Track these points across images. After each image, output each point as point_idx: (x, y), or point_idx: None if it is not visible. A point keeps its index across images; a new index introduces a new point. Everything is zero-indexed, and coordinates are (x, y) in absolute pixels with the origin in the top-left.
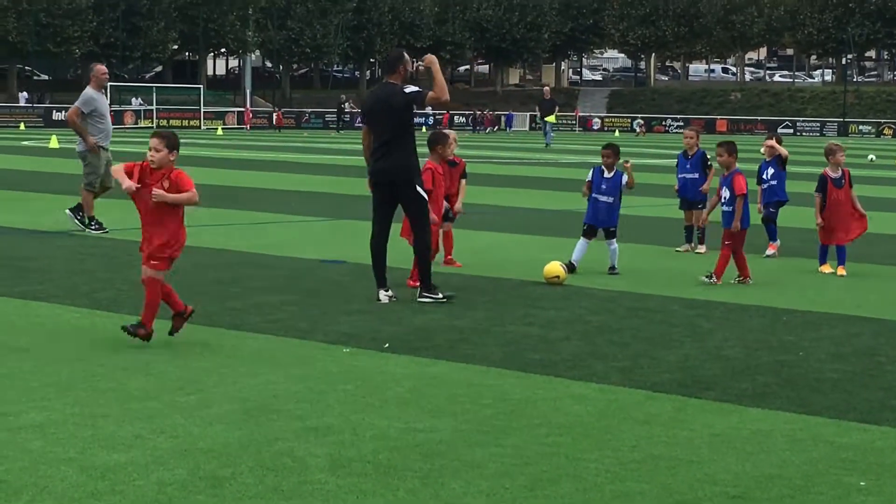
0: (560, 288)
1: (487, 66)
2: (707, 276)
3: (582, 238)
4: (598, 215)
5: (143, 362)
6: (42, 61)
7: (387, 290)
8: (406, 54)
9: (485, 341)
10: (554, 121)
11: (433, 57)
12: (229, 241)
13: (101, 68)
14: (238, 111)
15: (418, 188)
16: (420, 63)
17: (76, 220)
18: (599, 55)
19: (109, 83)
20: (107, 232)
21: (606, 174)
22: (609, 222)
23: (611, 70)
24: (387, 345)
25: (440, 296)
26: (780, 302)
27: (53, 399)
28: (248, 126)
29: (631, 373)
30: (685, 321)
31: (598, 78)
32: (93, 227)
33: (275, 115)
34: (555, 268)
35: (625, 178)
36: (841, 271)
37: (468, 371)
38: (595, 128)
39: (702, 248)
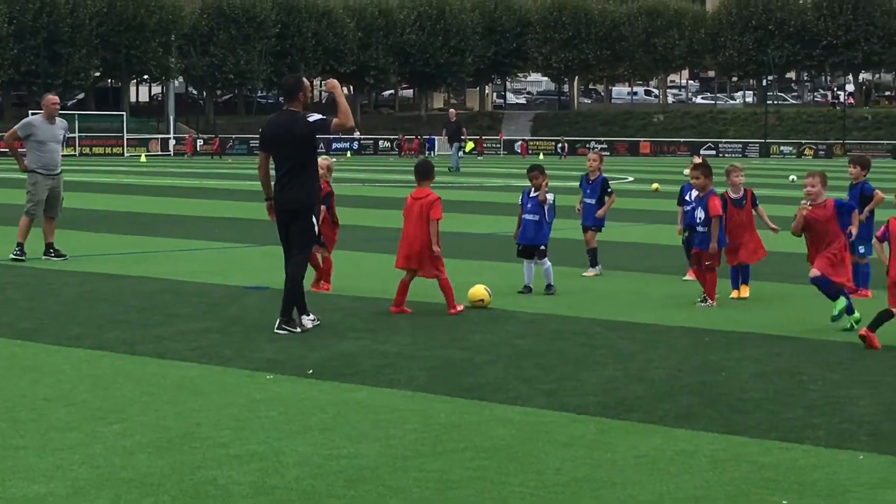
0: (486, 311)
1: (412, 90)
2: (701, 301)
3: (525, 261)
4: (526, 233)
5: (65, 392)
6: None
7: (309, 315)
8: (305, 80)
9: (410, 366)
10: (469, 149)
11: (335, 81)
12: (152, 269)
13: (51, 98)
14: (163, 138)
15: (314, 219)
16: (323, 89)
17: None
18: (523, 79)
19: (32, 112)
20: (23, 261)
21: (532, 194)
22: (536, 240)
23: (534, 93)
24: (311, 371)
25: (298, 329)
26: (703, 322)
27: None
28: (190, 152)
29: (555, 395)
30: (609, 343)
31: (522, 101)
32: (14, 254)
33: (206, 141)
34: (479, 291)
35: (550, 198)
36: (744, 292)
37: (393, 396)
38: (519, 150)
39: (591, 272)
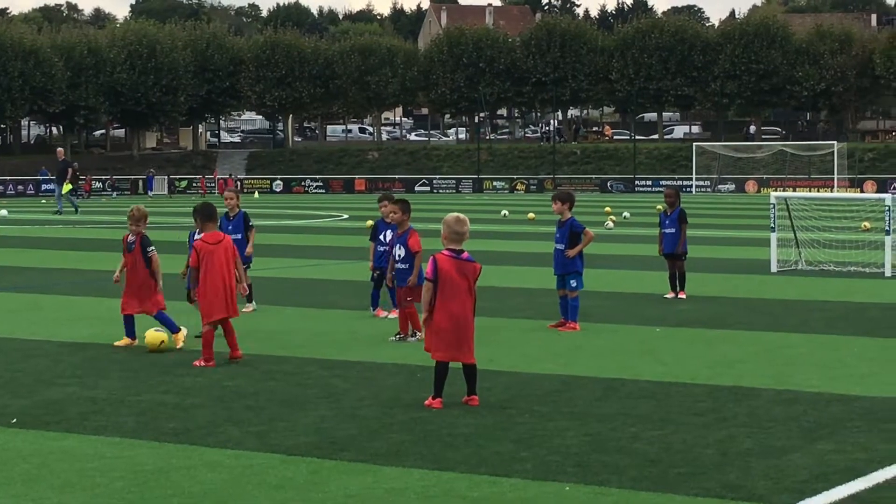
0: (197, 354)
1: (123, 130)
2: (411, 336)
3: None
4: None
5: None
6: None
7: None
8: None
9: (118, 411)
10: (67, 189)
11: None
12: None
13: None
14: None
15: None
16: None
17: None
18: (237, 117)
19: None
20: None
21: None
22: None
23: (246, 132)
24: (14, 420)
25: None
26: (414, 359)
27: None
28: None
29: (266, 437)
30: (321, 382)
31: (237, 140)
32: None
33: None
34: (156, 336)
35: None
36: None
37: (100, 443)
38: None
39: (249, 307)
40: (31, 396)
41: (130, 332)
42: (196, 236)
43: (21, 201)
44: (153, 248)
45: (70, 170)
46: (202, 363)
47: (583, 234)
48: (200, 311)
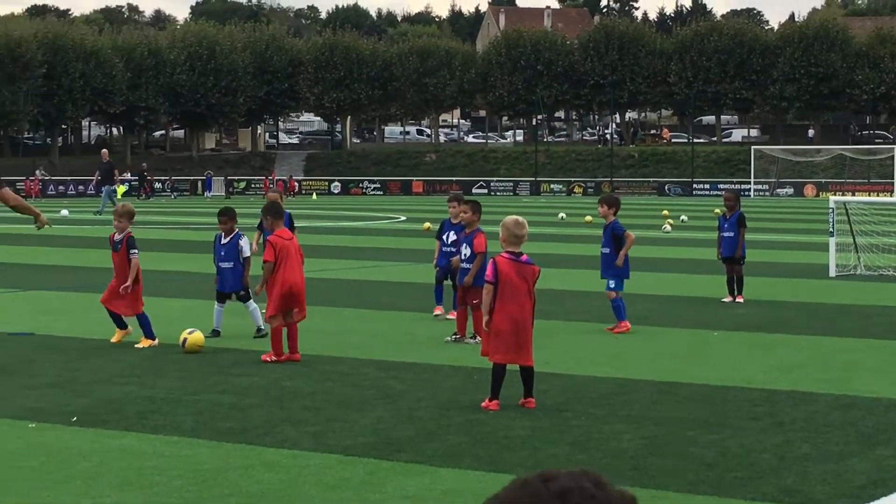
0: (253, 354)
1: (183, 131)
2: (455, 337)
3: (217, 304)
4: (226, 282)
5: None
6: None
7: None
8: None
9: (176, 411)
10: (122, 191)
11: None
12: None
13: None
14: None
15: None
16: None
17: None
18: (295, 119)
19: None
20: None
21: (224, 240)
22: (236, 286)
23: (304, 133)
24: (75, 418)
25: None
26: (471, 361)
27: None
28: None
29: (324, 437)
30: (378, 383)
31: (295, 141)
32: None
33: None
34: (201, 337)
35: (243, 243)
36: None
37: (158, 442)
38: (295, 191)
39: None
40: (90, 395)
41: (120, 324)
42: (224, 240)
43: (81, 201)
44: (136, 251)
45: (116, 171)
46: (271, 357)
47: (624, 237)
48: (268, 306)
